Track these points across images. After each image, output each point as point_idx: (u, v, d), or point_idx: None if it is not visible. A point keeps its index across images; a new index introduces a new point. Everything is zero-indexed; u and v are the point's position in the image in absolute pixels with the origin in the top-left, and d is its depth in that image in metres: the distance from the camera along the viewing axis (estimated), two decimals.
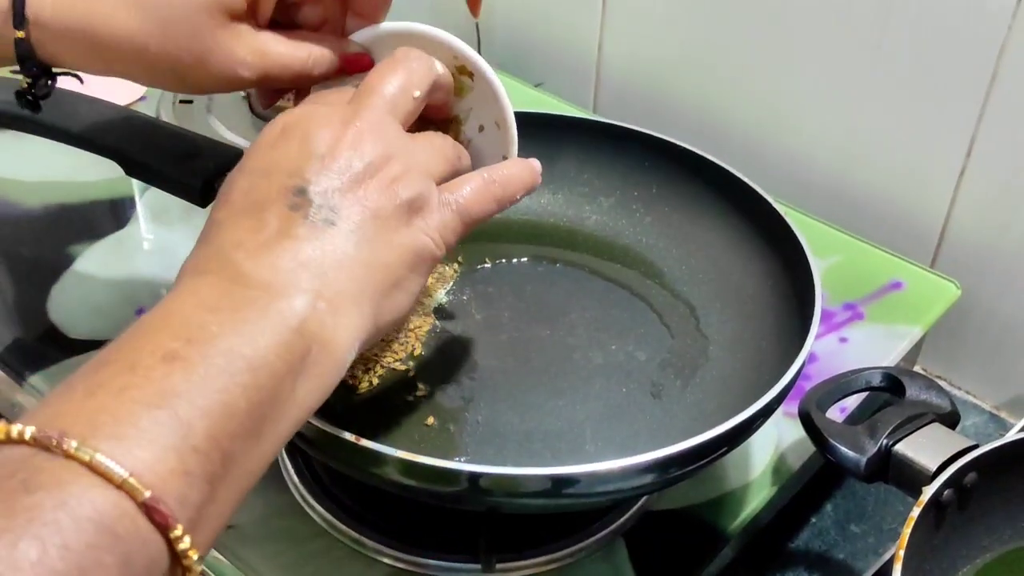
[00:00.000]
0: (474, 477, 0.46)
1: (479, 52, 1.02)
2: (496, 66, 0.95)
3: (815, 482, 0.66)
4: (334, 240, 0.41)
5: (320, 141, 0.43)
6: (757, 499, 0.59)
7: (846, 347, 0.68)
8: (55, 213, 0.78)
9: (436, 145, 0.49)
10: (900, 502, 0.68)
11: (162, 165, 0.60)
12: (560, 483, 0.47)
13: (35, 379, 0.65)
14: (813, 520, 0.68)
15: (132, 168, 0.62)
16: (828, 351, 0.68)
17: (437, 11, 1.03)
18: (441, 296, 0.62)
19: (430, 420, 0.54)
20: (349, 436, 0.46)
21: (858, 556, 0.66)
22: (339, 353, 0.40)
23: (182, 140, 0.62)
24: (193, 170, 0.60)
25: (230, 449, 0.35)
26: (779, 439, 0.62)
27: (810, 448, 0.58)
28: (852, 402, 0.64)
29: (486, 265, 0.64)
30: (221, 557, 0.56)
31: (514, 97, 0.88)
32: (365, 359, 0.56)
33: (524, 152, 0.68)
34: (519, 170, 0.51)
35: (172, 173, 0.60)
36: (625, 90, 0.92)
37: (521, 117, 0.68)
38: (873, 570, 0.58)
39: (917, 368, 0.77)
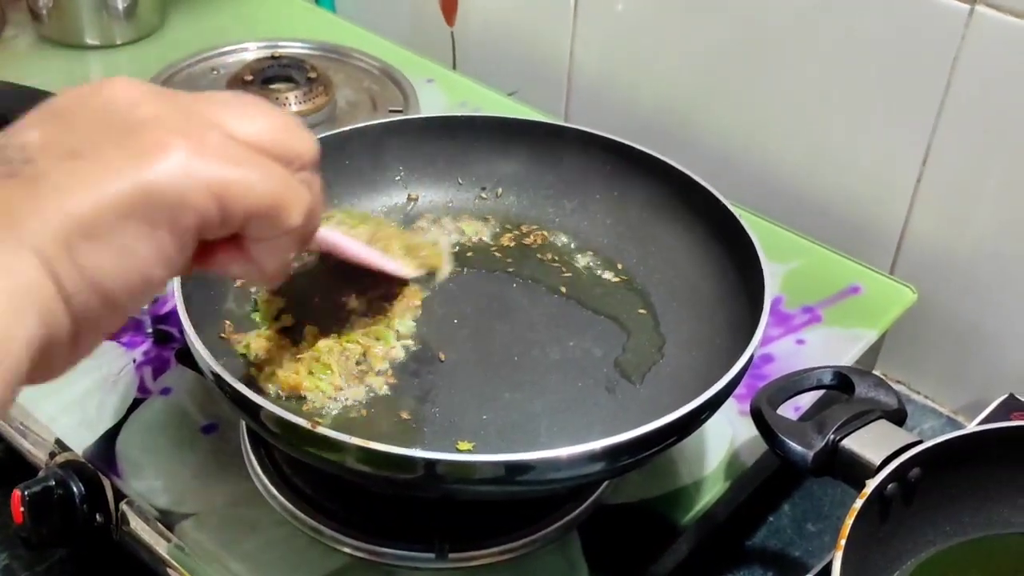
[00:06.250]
0: (430, 464, 0.47)
1: (454, 61, 1.05)
2: (471, 75, 0.97)
3: (773, 482, 0.68)
4: (2, 191, 0.34)
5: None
6: (710, 494, 0.60)
7: (803, 349, 0.70)
8: None
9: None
10: None
11: None
12: (514, 469, 0.48)
13: None
14: (771, 519, 0.69)
15: None
16: (786, 352, 0.69)
17: (414, 21, 1.05)
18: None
19: (389, 410, 0.55)
20: (304, 423, 0.48)
21: (814, 554, 0.67)
22: None
23: None
24: None
25: None
26: (734, 436, 0.64)
27: (764, 446, 0.59)
28: (806, 402, 0.65)
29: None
30: (182, 545, 0.57)
31: (488, 105, 0.90)
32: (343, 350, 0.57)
33: (485, 151, 0.70)
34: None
35: None
36: (596, 98, 0.93)
37: (485, 122, 0.70)
38: (822, 564, 0.59)
39: (876, 372, 0.79)
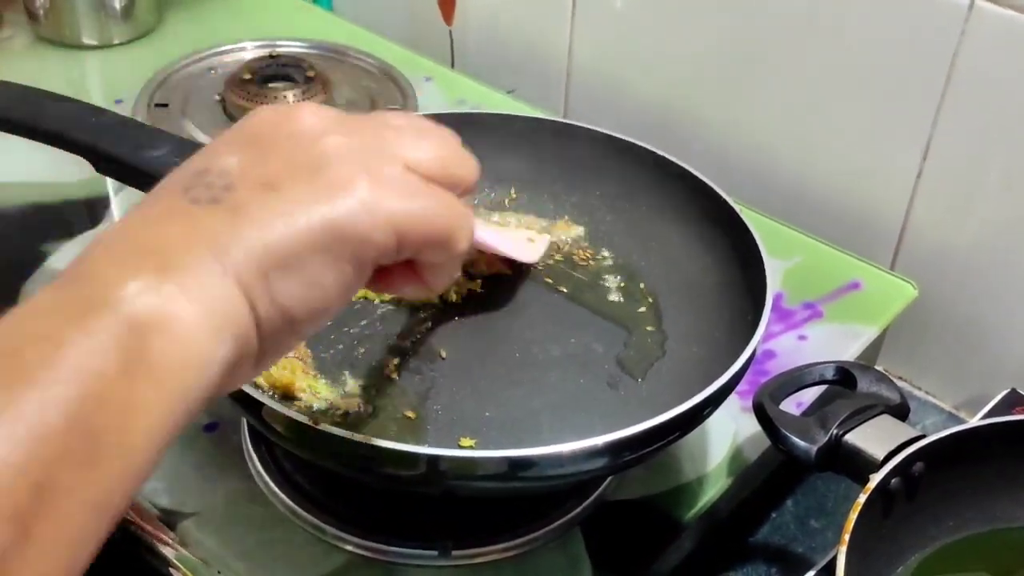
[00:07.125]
0: (433, 460, 0.47)
1: (452, 59, 1.05)
2: (469, 73, 0.97)
3: (776, 478, 0.68)
4: (207, 217, 0.36)
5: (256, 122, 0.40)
6: (713, 490, 0.60)
7: (805, 344, 0.70)
8: (29, 213, 0.79)
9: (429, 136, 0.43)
10: None
11: (132, 161, 0.61)
12: (516, 465, 0.48)
13: None
14: (773, 516, 0.69)
15: (101, 164, 0.62)
16: (787, 348, 0.69)
17: (412, 19, 1.05)
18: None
19: (391, 407, 0.55)
20: (307, 420, 0.47)
21: (817, 551, 0.67)
22: (190, 340, 0.33)
23: (153, 137, 0.63)
24: (164, 166, 0.61)
25: (46, 479, 0.29)
26: (736, 433, 0.63)
27: (767, 442, 0.59)
28: (809, 397, 0.65)
29: None
30: (184, 544, 0.57)
31: (487, 103, 0.90)
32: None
33: (485, 148, 0.70)
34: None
35: (142, 169, 0.61)
36: (595, 96, 0.93)
37: (485, 117, 0.70)
38: (826, 560, 0.59)
39: (878, 368, 0.79)
